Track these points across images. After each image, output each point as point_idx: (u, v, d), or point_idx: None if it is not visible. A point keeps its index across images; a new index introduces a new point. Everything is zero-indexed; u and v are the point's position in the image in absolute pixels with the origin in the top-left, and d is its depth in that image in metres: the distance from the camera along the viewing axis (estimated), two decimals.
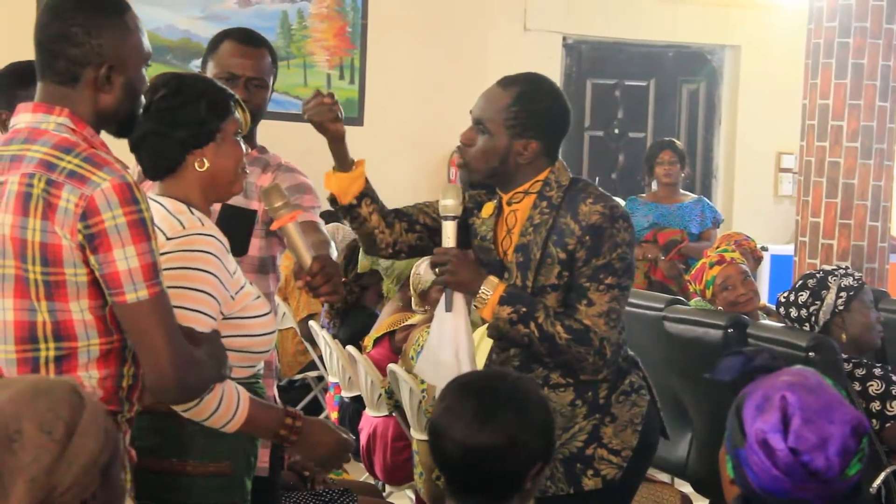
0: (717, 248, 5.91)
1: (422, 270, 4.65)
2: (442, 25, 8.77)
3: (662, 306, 4.72)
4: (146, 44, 2.43)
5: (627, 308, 4.80)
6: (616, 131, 9.45)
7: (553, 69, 8.86)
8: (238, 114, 2.70)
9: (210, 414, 2.48)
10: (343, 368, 5.28)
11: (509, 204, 3.05)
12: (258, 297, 2.69)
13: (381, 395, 4.76)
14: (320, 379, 6.46)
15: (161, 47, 8.18)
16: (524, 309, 2.93)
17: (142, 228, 2.24)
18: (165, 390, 2.30)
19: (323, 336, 5.57)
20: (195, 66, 7.26)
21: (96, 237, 2.21)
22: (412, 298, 4.84)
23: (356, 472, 5.13)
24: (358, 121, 8.49)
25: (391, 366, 4.59)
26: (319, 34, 8.53)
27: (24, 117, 2.35)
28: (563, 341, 2.91)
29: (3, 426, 1.45)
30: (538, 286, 2.98)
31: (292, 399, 6.79)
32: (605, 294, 2.93)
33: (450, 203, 3.02)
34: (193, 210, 2.62)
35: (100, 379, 2.30)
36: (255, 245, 3.14)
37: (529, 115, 2.97)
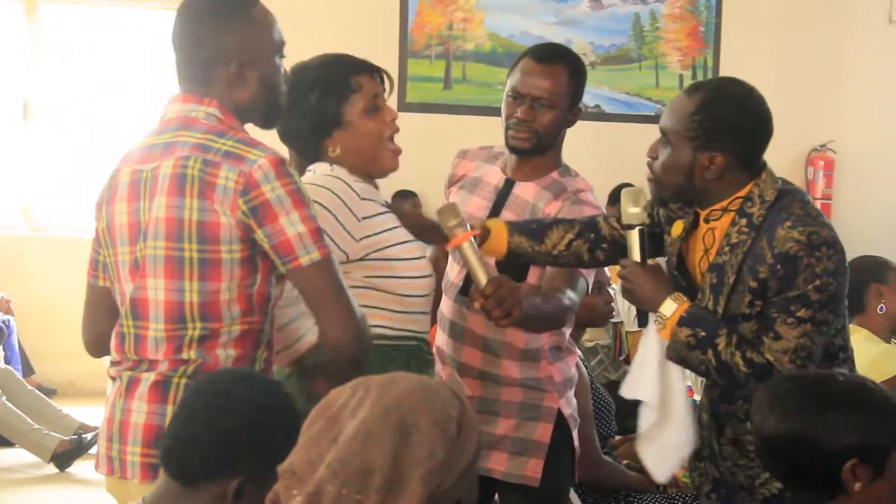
0: None
1: None
2: (799, 21, 8.51)
3: None
4: (277, 34, 2.46)
5: None
6: None
7: None
8: (369, 84, 2.76)
9: None
10: None
11: (707, 221, 2.74)
12: (410, 241, 2.74)
13: None
14: None
15: (517, 53, 8.27)
16: (703, 333, 2.61)
17: (300, 196, 2.30)
18: (346, 345, 2.28)
19: None
20: None
21: (260, 209, 2.27)
22: None
23: None
24: None
25: None
26: (672, 35, 8.47)
27: (173, 107, 2.46)
28: (742, 375, 2.59)
29: (402, 419, 1.48)
30: (730, 314, 2.65)
31: None
32: (794, 328, 2.56)
33: (633, 211, 2.75)
34: (335, 168, 2.74)
35: (235, 359, 2.36)
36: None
37: (713, 124, 2.64)
